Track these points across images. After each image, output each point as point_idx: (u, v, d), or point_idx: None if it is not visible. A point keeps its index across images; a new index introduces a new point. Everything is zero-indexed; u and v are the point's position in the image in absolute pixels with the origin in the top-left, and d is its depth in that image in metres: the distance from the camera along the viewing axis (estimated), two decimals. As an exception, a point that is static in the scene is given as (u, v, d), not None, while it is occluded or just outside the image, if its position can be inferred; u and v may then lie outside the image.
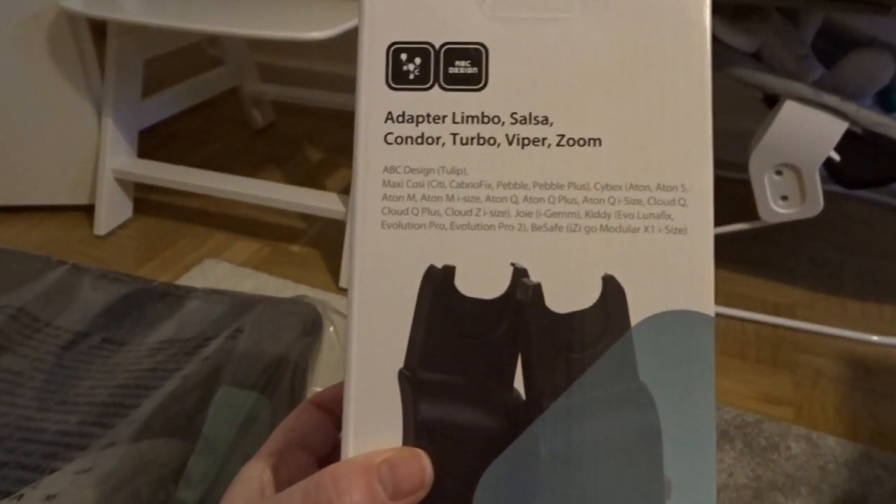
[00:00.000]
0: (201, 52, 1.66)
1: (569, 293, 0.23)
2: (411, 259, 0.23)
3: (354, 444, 0.23)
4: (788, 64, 0.87)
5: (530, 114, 0.24)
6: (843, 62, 0.85)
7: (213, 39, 1.60)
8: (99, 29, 1.15)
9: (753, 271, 1.06)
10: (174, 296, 0.72)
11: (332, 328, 0.63)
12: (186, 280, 1.04)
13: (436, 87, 0.24)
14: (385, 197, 0.24)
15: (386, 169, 0.24)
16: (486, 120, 0.24)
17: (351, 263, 0.24)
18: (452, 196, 0.24)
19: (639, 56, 0.24)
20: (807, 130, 0.81)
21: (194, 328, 0.65)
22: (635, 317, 0.23)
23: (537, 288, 0.23)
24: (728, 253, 1.09)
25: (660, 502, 0.23)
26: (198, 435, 0.51)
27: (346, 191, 1.06)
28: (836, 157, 0.82)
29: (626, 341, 0.23)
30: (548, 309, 0.23)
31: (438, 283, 0.24)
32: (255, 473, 0.25)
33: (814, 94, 0.80)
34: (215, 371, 0.56)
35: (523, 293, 0.23)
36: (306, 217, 1.21)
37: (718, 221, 0.95)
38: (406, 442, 0.23)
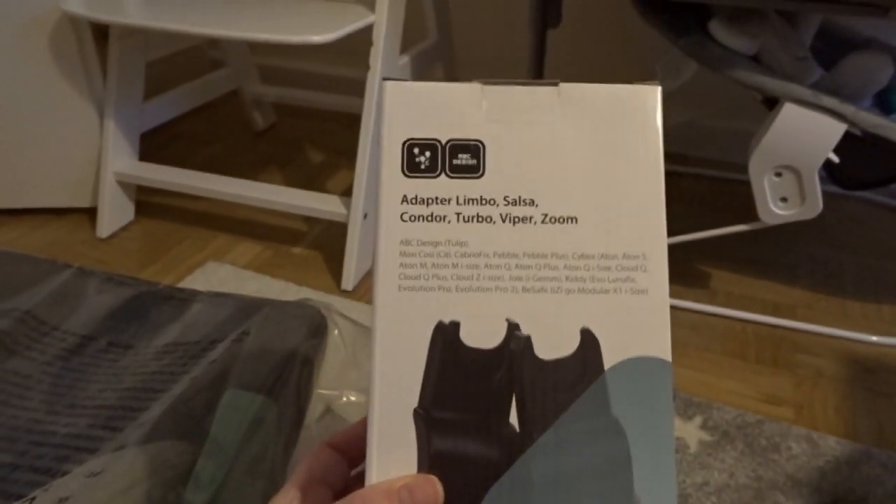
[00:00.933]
0: (202, 54, 1.66)
1: (553, 344, 0.28)
2: (423, 316, 0.28)
3: (377, 471, 0.28)
4: (787, 66, 0.87)
5: (520, 197, 0.29)
6: (842, 64, 0.85)
7: (214, 42, 1.60)
8: (101, 32, 1.16)
9: (753, 272, 1.07)
10: (179, 299, 0.73)
11: (336, 331, 0.64)
12: (189, 283, 1.05)
13: (443, 175, 0.29)
14: (401, 265, 0.28)
15: (402, 242, 0.28)
16: (483, 202, 0.29)
17: (372, 320, 0.28)
18: (457, 264, 0.28)
19: (607, 151, 0.29)
20: (806, 132, 0.82)
21: (200, 331, 0.65)
22: (608, 362, 0.28)
23: (528, 339, 0.28)
24: (728, 253, 1.10)
25: None
26: (205, 437, 0.51)
27: (347, 193, 1.07)
28: (836, 158, 0.82)
29: (601, 383, 0.28)
30: (537, 357, 0.28)
31: (446, 336, 0.28)
32: (285, 502, 0.29)
33: (813, 97, 0.80)
34: (222, 374, 0.56)
35: (516, 344, 0.28)
36: (308, 219, 1.22)
37: (719, 222, 0.95)
38: (421, 469, 0.28)
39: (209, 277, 1.06)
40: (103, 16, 1.03)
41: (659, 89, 0.29)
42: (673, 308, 1.00)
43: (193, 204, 1.27)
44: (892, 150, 0.83)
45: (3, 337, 0.66)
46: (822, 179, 0.85)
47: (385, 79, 0.29)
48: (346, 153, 1.46)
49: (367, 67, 1.00)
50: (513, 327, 0.28)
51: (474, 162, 0.29)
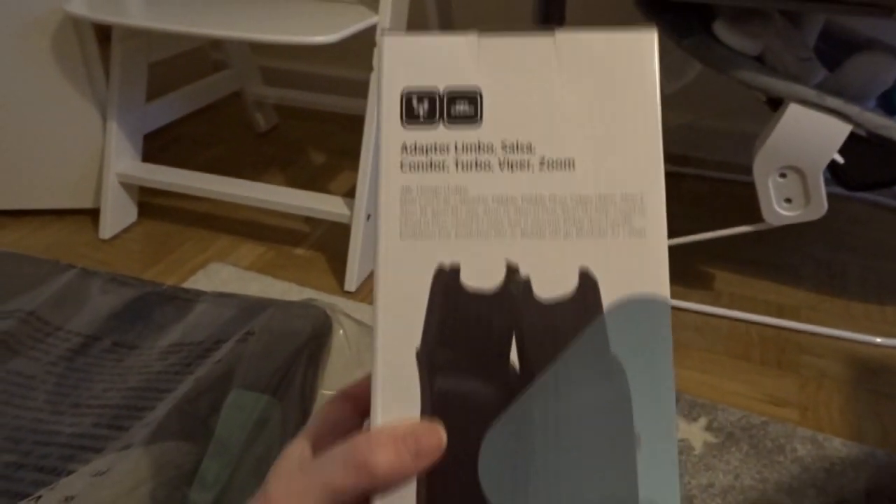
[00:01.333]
0: (204, 56, 1.66)
1: (552, 285, 0.29)
2: (424, 261, 0.29)
3: (382, 414, 0.28)
4: (791, 66, 0.87)
5: (517, 142, 0.29)
6: (846, 65, 0.85)
7: (217, 43, 1.60)
8: (103, 33, 1.16)
9: (757, 273, 1.07)
10: (182, 299, 0.72)
11: (341, 331, 0.63)
12: (191, 284, 1.04)
13: (441, 123, 0.29)
14: (402, 212, 0.29)
15: (402, 190, 0.29)
16: (481, 149, 0.29)
17: (375, 267, 0.29)
18: (456, 210, 0.29)
19: (604, 96, 0.29)
20: (811, 133, 0.82)
21: (204, 331, 0.65)
22: (606, 301, 0.29)
23: (527, 281, 0.29)
24: (732, 255, 1.10)
25: (632, 453, 0.28)
26: (210, 437, 0.51)
27: (349, 194, 1.06)
28: (840, 159, 0.82)
29: (600, 322, 0.28)
30: (536, 298, 0.29)
31: (447, 279, 0.29)
32: (297, 451, 0.30)
33: (817, 97, 0.80)
34: (227, 374, 0.56)
35: (516, 286, 0.29)
36: (310, 220, 1.21)
37: (723, 223, 0.94)
38: (424, 410, 0.28)
39: (212, 278, 1.06)
40: (106, 17, 1.03)
41: (655, 34, 0.30)
42: (677, 309, 0.99)
43: (196, 205, 1.27)
44: (897, 150, 0.83)
45: (7, 338, 0.66)
46: (825, 180, 0.85)
47: (383, 32, 0.30)
48: (348, 154, 1.45)
49: (369, 69, 1.00)
50: (512, 270, 0.29)
51: (472, 110, 0.29)
